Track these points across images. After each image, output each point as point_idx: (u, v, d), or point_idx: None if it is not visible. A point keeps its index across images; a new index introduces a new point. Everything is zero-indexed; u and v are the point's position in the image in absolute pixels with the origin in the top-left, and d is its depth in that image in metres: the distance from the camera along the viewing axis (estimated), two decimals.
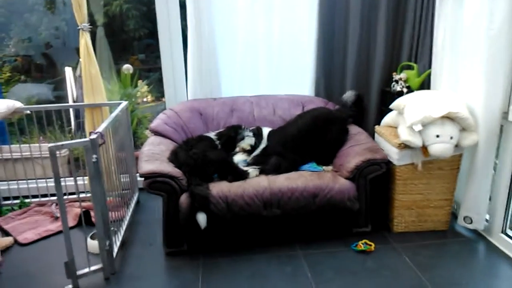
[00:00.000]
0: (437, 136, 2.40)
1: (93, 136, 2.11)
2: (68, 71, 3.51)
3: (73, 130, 3.57)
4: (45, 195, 3.24)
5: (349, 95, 3.01)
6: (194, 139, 2.79)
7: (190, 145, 2.66)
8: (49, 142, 3.36)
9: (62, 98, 4.04)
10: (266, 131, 2.87)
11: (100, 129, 2.26)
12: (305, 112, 2.94)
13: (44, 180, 3.22)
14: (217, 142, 2.83)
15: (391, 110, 2.83)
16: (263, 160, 2.70)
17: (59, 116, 3.24)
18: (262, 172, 2.61)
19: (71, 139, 3.57)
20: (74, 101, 3.46)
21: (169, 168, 2.40)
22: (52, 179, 2.97)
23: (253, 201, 2.42)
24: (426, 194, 2.65)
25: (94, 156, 2.10)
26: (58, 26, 4.06)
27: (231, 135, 2.85)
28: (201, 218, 2.32)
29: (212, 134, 2.89)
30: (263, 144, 2.82)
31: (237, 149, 2.82)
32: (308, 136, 2.75)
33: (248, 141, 2.82)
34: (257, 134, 2.84)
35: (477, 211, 2.58)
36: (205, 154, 2.56)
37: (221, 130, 2.95)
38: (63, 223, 2.11)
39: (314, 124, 2.77)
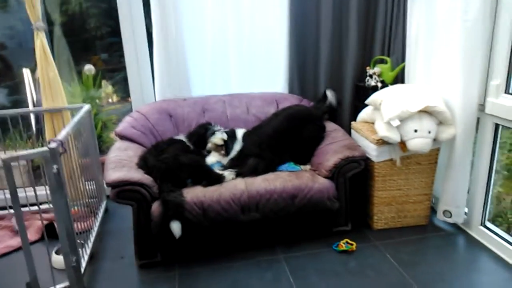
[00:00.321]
0: (415, 131, 2.36)
1: (53, 145, 1.92)
2: (27, 73, 3.26)
3: (33, 136, 3.33)
4: (3, 208, 3.00)
5: (332, 95, 2.90)
6: (164, 142, 2.63)
7: (160, 149, 2.50)
8: (5, 151, 3.11)
9: (20, 102, 3.78)
10: (240, 132, 2.75)
11: (60, 136, 2.07)
12: (280, 110, 2.83)
13: (1, 191, 2.97)
14: (189, 143, 2.69)
15: (366, 105, 2.78)
16: (239, 162, 2.58)
17: (17, 122, 3.00)
18: (239, 175, 2.50)
19: (32, 147, 3.35)
20: (34, 105, 3.23)
21: (138, 175, 2.25)
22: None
23: (230, 206, 2.30)
24: (405, 189, 2.61)
25: (55, 166, 1.92)
26: (12, 25, 3.77)
27: (201, 133, 2.72)
28: (175, 227, 2.18)
29: (182, 136, 2.74)
30: (237, 146, 2.69)
31: (209, 145, 2.69)
32: (284, 135, 2.65)
33: (219, 135, 2.69)
34: (231, 136, 2.71)
35: (456, 204, 2.56)
36: (177, 157, 2.42)
37: (190, 130, 2.81)
38: (22, 240, 1.92)
39: (290, 122, 2.68)
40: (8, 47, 3.76)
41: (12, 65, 3.79)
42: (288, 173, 2.53)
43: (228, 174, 2.47)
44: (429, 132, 2.37)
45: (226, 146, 2.68)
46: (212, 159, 2.66)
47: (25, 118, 3.04)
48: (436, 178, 2.64)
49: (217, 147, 2.69)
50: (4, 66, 3.84)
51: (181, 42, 2.97)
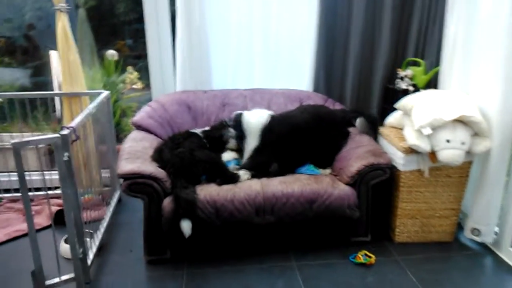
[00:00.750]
0: (448, 141, 2.19)
1: (65, 132, 1.85)
2: (54, 55, 3.19)
3: (56, 118, 3.30)
4: (18, 190, 2.96)
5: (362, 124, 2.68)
6: (181, 135, 2.54)
7: (176, 142, 2.41)
8: (30, 131, 3.08)
9: (43, 84, 3.77)
10: (257, 126, 2.51)
11: (74, 123, 2.00)
12: (307, 107, 2.66)
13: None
14: (205, 140, 2.59)
15: (394, 109, 2.62)
16: (256, 162, 2.46)
17: (41, 104, 2.97)
18: (255, 176, 2.38)
19: (55, 130, 3.32)
20: (59, 88, 3.18)
21: (151, 168, 2.16)
22: (28, 172, 2.81)
23: (244, 207, 2.19)
24: (432, 203, 2.44)
25: (66, 154, 1.85)
26: (42, 6, 3.75)
27: (217, 136, 2.61)
28: (186, 226, 2.09)
29: (199, 131, 2.64)
30: (254, 142, 2.53)
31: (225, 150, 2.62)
32: (307, 134, 2.51)
33: (233, 142, 2.60)
34: (239, 126, 2.55)
35: (486, 222, 2.38)
36: (192, 153, 2.32)
37: (206, 129, 2.68)
38: (28, 227, 1.87)
39: (316, 122, 2.52)
40: (37, 28, 3.74)
41: (39, 46, 3.78)
42: (307, 176, 2.40)
43: (243, 173, 2.36)
44: (463, 144, 2.20)
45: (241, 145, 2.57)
46: (228, 156, 2.55)
47: (45, 100, 2.99)
48: (466, 192, 2.47)
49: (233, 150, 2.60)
50: (31, 47, 3.83)
51: (205, 32, 2.86)
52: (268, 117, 2.53)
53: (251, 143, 2.50)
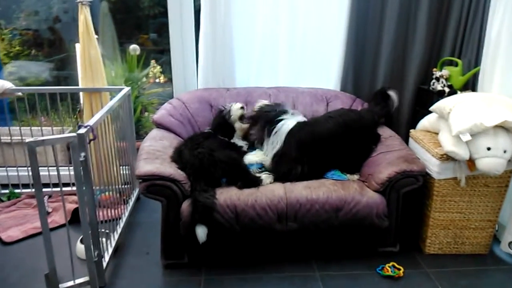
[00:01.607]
0: (488, 148, 2.02)
1: (81, 131, 1.78)
2: (79, 48, 3.14)
3: (80, 112, 3.27)
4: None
5: (395, 97, 2.58)
6: (201, 135, 2.45)
7: (196, 142, 2.32)
8: (51, 125, 3.04)
9: (65, 78, 3.75)
10: (284, 131, 2.40)
11: (92, 121, 1.93)
12: (335, 113, 2.51)
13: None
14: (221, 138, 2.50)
15: (428, 111, 2.45)
16: (281, 165, 2.33)
17: (63, 98, 2.93)
18: (278, 179, 2.27)
19: (77, 124, 3.29)
20: None
21: (170, 169, 2.07)
22: (47, 167, 2.78)
23: (266, 212, 2.08)
24: (466, 213, 2.28)
25: (82, 154, 1.78)
26: None
27: (220, 119, 2.56)
28: (200, 232, 2.00)
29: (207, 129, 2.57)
30: (278, 143, 2.40)
31: (236, 125, 2.54)
32: (335, 142, 2.37)
33: (234, 106, 2.55)
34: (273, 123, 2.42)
35: None
36: (212, 153, 2.22)
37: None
38: (43, 230, 1.81)
39: (344, 130, 2.37)
40: (62, 20, 3.72)
41: (64, 40, 3.75)
42: (333, 181, 2.27)
43: (266, 177, 2.25)
44: (505, 152, 2.03)
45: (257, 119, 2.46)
46: (252, 158, 2.45)
47: (67, 94, 2.96)
48: (504, 203, 2.29)
49: (247, 125, 2.50)
50: (57, 40, 3.81)
51: (229, 28, 2.75)
52: (296, 123, 2.41)
53: (275, 145, 2.38)
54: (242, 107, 2.54)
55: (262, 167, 2.40)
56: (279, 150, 2.36)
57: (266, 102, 2.55)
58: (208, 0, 2.66)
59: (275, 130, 2.38)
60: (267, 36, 2.81)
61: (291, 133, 2.37)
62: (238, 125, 2.54)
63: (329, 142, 2.36)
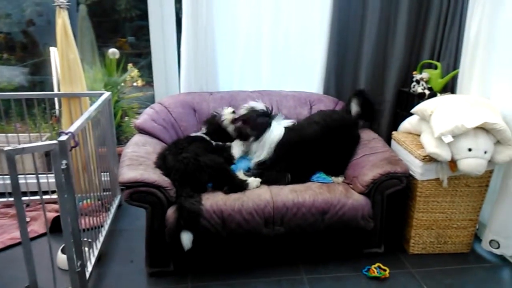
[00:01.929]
0: (470, 149, 2.06)
1: (63, 138, 1.73)
2: (53, 52, 3.05)
3: (55, 116, 3.18)
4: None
5: (354, 106, 2.58)
6: (185, 139, 2.41)
7: (180, 147, 2.28)
8: (26, 131, 2.94)
9: (41, 83, 3.65)
10: (274, 139, 2.38)
11: (73, 128, 1.88)
12: (318, 117, 2.52)
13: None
14: (208, 139, 2.47)
15: (409, 113, 2.49)
16: (269, 177, 2.31)
17: (39, 103, 2.84)
18: (265, 182, 2.26)
19: (53, 129, 3.20)
20: (58, 87, 3.05)
21: (154, 175, 2.03)
22: (24, 175, 2.70)
23: (253, 217, 2.07)
24: (449, 213, 2.32)
25: (64, 162, 1.72)
26: (42, 1, 3.62)
27: (214, 122, 2.56)
28: (186, 238, 1.96)
29: (201, 133, 2.53)
30: (266, 152, 2.39)
31: (230, 129, 2.54)
32: (321, 145, 2.38)
33: (226, 111, 2.56)
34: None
35: (506, 235, 2.27)
36: (197, 158, 2.19)
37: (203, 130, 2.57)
38: (23, 241, 1.74)
39: (327, 133, 2.39)
40: (36, 24, 3.62)
41: (39, 43, 3.65)
42: (319, 184, 2.27)
43: (252, 181, 2.23)
44: (485, 153, 2.08)
45: (250, 121, 2.44)
46: (236, 150, 2.45)
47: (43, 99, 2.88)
48: (484, 203, 2.35)
49: (238, 127, 2.48)
50: (30, 44, 3.71)
51: (211, 31, 2.73)
52: (284, 130, 2.42)
53: (264, 151, 2.38)
54: (233, 111, 2.53)
55: (249, 169, 2.39)
56: (267, 159, 2.36)
57: (255, 105, 2.52)
58: (190, 3, 2.62)
59: (260, 139, 2.39)
60: (250, 39, 2.80)
61: (280, 142, 2.37)
62: (231, 129, 2.52)
63: (315, 146, 2.38)
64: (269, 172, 2.32)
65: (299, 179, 2.30)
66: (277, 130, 2.41)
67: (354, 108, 2.56)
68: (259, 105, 2.50)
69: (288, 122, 2.49)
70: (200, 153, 2.25)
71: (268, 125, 2.41)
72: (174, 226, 2.00)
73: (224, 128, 2.54)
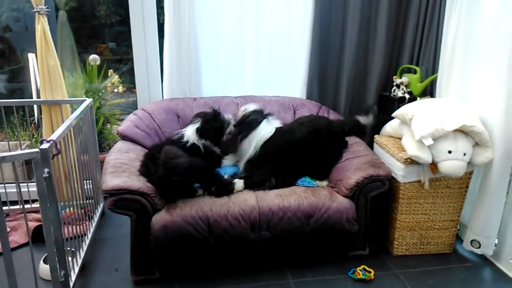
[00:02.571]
0: (449, 152, 2.12)
1: (44, 146, 1.70)
2: (32, 58, 2.99)
3: (35, 124, 3.12)
4: None
5: (370, 117, 2.53)
6: (159, 145, 2.35)
7: (157, 152, 2.21)
8: (5, 140, 2.88)
9: (19, 90, 3.57)
10: (262, 138, 2.39)
11: (55, 136, 1.85)
12: (305, 120, 2.52)
13: None
14: (198, 140, 2.39)
15: (389, 117, 2.54)
16: (254, 170, 2.34)
17: (17, 110, 2.77)
18: (251, 186, 2.27)
19: (33, 137, 3.14)
20: (38, 94, 2.99)
21: (139, 183, 2.01)
22: (3, 184, 2.63)
23: (239, 222, 2.07)
24: (431, 214, 2.37)
25: (46, 170, 1.69)
26: (20, 7, 3.56)
27: (218, 126, 2.46)
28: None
29: (190, 131, 2.42)
30: (251, 149, 2.40)
31: (224, 138, 2.52)
32: (308, 148, 2.39)
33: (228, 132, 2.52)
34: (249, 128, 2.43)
35: (486, 234, 2.32)
36: (171, 160, 2.12)
37: (197, 124, 2.44)
38: (4, 251, 1.70)
39: (315, 137, 2.41)
40: (13, 30, 3.55)
41: (16, 49, 3.58)
42: (303, 189, 2.29)
43: (238, 182, 2.23)
44: (464, 155, 2.13)
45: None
46: (227, 162, 2.49)
47: (22, 107, 2.82)
48: (465, 204, 2.40)
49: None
50: (7, 50, 3.63)
51: (194, 36, 2.73)
52: (274, 130, 2.43)
53: (250, 151, 2.39)
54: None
55: (234, 174, 2.39)
56: (252, 157, 2.37)
57: (250, 108, 2.51)
58: (172, 8, 2.62)
59: (248, 136, 2.39)
60: (233, 45, 2.81)
61: (268, 141, 2.38)
62: (225, 137, 2.52)
63: (302, 149, 2.39)
64: (254, 173, 2.33)
65: (285, 182, 2.31)
66: (267, 129, 2.42)
67: (367, 119, 2.52)
68: (252, 106, 2.53)
69: (280, 123, 2.51)
70: (177, 155, 2.16)
71: (258, 123, 2.41)
72: (160, 233, 1.98)
73: (222, 133, 2.49)
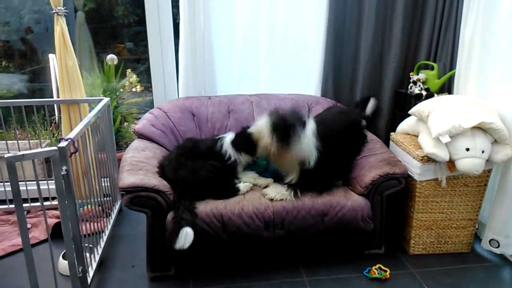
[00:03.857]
0: (467, 149, 2.08)
1: (62, 144, 1.74)
2: (52, 58, 3.05)
3: (55, 123, 3.19)
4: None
5: (373, 105, 2.56)
6: (186, 151, 2.28)
7: (178, 161, 2.21)
8: (26, 138, 2.95)
9: (40, 90, 3.66)
10: (309, 130, 2.14)
11: (72, 134, 1.89)
12: (336, 113, 2.45)
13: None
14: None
15: (406, 114, 2.51)
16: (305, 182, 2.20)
17: (38, 110, 2.85)
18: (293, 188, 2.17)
19: (53, 136, 3.21)
20: (58, 93, 3.06)
21: (155, 180, 2.04)
22: (25, 182, 2.70)
23: (253, 221, 2.08)
24: (448, 213, 2.33)
25: (64, 168, 1.73)
26: (39, 9, 3.64)
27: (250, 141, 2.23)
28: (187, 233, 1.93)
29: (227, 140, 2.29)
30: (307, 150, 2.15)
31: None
32: (344, 141, 2.30)
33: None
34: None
35: (506, 234, 2.27)
36: (196, 174, 2.14)
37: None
38: (24, 248, 1.74)
39: (349, 128, 2.34)
40: (35, 31, 3.64)
41: (37, 50, 3.67)
42: None
43: (244, 186, 2.23)
44: (483, 152, 2.09)
45: None
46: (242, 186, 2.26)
47: (43, 106, 2.89)
48: (483, 202, 2.35)
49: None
50: (29, 51, 3.73)
51: (209, 36, 2.75)
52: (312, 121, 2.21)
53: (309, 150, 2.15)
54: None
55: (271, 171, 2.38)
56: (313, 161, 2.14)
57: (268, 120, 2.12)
58: (187, 8, 2.64)
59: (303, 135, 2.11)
60: (248, 43, 2.81)
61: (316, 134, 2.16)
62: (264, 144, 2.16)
63: (341, 141, 2.28)
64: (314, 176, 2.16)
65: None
66: (309, 123, 2.17)
67: (369, 110, 2.53)
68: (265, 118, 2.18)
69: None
70: (198, 168, 2.17)
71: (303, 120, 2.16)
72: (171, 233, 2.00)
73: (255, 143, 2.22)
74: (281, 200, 2.12)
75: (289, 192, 2.15)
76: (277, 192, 2.16)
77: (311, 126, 2.16)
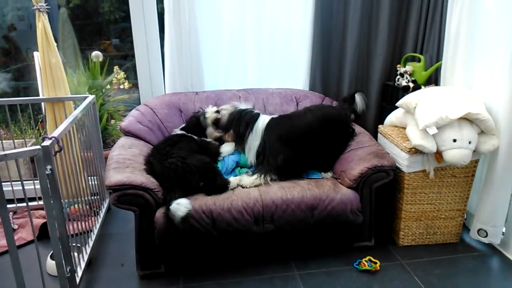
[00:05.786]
0: (454, 140, 2.09)
1: (46, 143, 1.71)
2: (37, 56, 3.00)
3: (43, 122, 3.13)
4: None
5: (361, 100, 2.57)
6: (167, 142, 2.35)
7: (163, 152, 2.23)
8: (10, 138, 2.90)
9: (25, 88, 3.60)
10: (262, 123, 2.40)
11: (56, 133, 1.85)
12: (313, 107, 2.50)
13: None
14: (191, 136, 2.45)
15: (394, 107, 2.51)
16: (263, 160, 2.33)
17: (23, 108, 2.80)
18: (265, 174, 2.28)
19: (40, 135, 3.16)
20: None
21: (142, 178, 2.02)
22: (9, 182, 2.66)
23: (242, 216, 2.07)
24: (436, 204, 2.35)
25: (48, 167, 1.70)
26: (23, 6, 3.57)
27: (196, 123, 2.51)
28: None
29: (179, 129, 2.51)
30: (257, 141, 2.38)
31: (209, 130, 2.52)
32: (315, 136, 2.35)
33: (209, 110, 2.53)
34: (249, 121, 2.41)
35: (493, 223, 2.30)
36: (184, 161, 2.16)
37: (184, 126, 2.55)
38: (10, 249, 1.71)
39: (323, 124, 2.37)
40: (18, 29, 3.57)
41: (21, 48, 3.60)
42: (307, 181, 2.28)
43: (234, 179, 2.23)
44: (470, 143, 2.10)
45: (232, 122, 2.43)
46: (227, 148, 2.47)
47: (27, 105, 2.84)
48: (471, 192, 2.37)
49: (220, 127, 2.47)
50: (13, 49, 3.65)
51: (195, 31, 2.71)
52: (270, 118, 2.44)
53: (255, 143, 2.38)
54: (217, 111, 2.50)
55: (237, 163, 2.40)
56: (259, 148, 2.36)
57: (232, 106, 2.49)
58: (172, 3, 2.61)
59: (251, 131, 2.38)
60: (234, 38, 2.79)
61: (269, 127, 2.38)
62: (210, 131, 2.51)
63: (308, 136, 2.35)
64: (264, 163, 2.33)
65: (293, 173, 2.32)
66: (263, 120, 2.42)
67: (359, 106, 2.56)
68: (242, 105, 2.51)
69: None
70: (186, 155, 2.22)
71: (258, 114, 2.43)
72: (163, 227, 1.99)
73: (204, 127, 2.51)
74: (255, 186, 2.22)
75: (258, 177, 2.26)
76: (249, 181, 2.25)
77: (262, 122, 2.39)
